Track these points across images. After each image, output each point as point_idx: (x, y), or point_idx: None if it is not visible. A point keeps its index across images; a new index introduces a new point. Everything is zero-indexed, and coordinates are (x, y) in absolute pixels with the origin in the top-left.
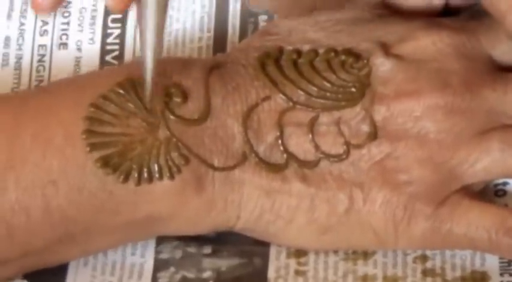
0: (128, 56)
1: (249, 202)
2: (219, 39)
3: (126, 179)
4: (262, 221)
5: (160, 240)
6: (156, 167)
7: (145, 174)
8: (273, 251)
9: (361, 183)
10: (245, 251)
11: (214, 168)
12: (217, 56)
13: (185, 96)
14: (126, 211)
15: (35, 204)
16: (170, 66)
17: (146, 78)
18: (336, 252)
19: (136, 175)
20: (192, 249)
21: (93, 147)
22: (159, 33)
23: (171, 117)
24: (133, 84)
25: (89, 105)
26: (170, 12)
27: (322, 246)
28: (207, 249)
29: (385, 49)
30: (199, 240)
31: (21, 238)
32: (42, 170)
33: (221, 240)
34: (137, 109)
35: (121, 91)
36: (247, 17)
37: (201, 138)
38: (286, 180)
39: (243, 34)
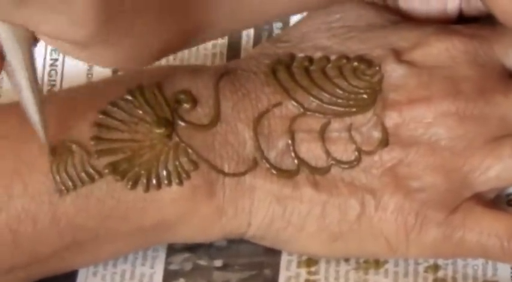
0: None
1: (260, 209)
2: (233, 46)
3: (135, 185)
4: (273, 228)
5: (171, 251)
6: (164, 173)
7: (154, 181)
8: (283, 261)
9: (373, 190)
10: (256, 262)
11: (225, 174)
12: (229, 63)
13: (194, 102)
14: (134, 218)
15: (42, 211)
16: (180, 73)
17: (38, 131)
18: (347, 261)
19: (144, 181)
20: (202, 262)
21: (101, 153)
22: (33, 85)
23: (180, 123)
24: (142, 91)
25: (98, 111)
26: None
27: (334, 254)
28: (218, 263)
29: (397, 55)
30: (210, 252)
31: (28, 246)
32: (49, 177)
33: (232, 251)
34: (146, 115)
35: (130, 98)
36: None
37: (211, 143)
38: (298, 187)
39: (257, 41)
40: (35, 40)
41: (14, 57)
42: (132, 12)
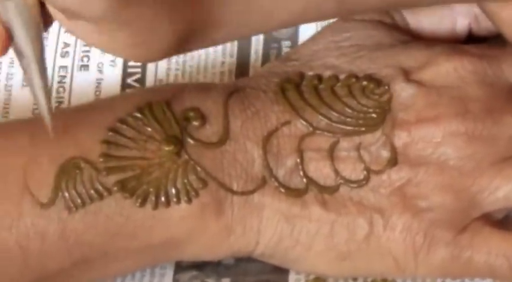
0: (149, 78)
1: (268, 227)
2: (242, 65)
3: (144, 202)
4: (281, 247)
5: (179, 269)
6: (173, 191)
7: (163, 198)
8: (291, 280)
9: (381, 209)
10: (263, 280)
11: (233, 192)
12: (238, 81)
13: (204, 120)
14: (143, 235)
15: (51, 228)
16: (189, 90)
17: (43, 113)
18: (355, 280)
19: (153, 199)
20: (210, 280)
21: (110, 170)
22: (42, 69)
23: (190, 140)
24: (151, 108)
25: (106, 128)
26: None
27: (342, 273)
28: (226, 281)
29: (406, 75)
30: (218, 270)
31: (36, 262)
32: (58, 194)
33: (240, 269)
34: (155, 133)
35: (139, 115)
36: (270, 42)
37: (219, 161)
38: (306, 205)
39: (265, 60)
40: (46, 24)
41: (23, 37)
42: None
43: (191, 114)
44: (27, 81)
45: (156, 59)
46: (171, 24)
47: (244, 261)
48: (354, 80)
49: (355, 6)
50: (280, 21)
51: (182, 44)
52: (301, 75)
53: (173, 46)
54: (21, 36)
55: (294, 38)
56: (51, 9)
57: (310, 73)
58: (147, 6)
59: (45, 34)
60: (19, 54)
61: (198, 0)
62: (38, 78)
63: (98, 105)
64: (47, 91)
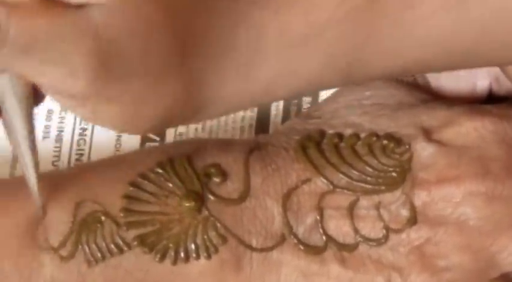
0: (169, 132)
1: None
2: (262, 120)
3: (163, 258)
4: None
5: None
6: (193, 246)
7: (182, 254)
8: None
9: (400, 268)
10: None
11: (253, 249)
12: (258, 138)
13: (225, 176)
14: None
15: (71, 281)
16: (210, 147)
17: (32, 186)
18: None
19: (173, 254)
20: None
21: (130, 225)
22: (32, 144)
23: (210, 197)
24: (172, 164)
25: (127, 183)
26: None
27: None
28: None
29: (427, 134)
30: None
31: None
32: (78, 247)
33: None
34: (176, 188)
35: (160, 170)
36: (291, 98)
37: (239, 218)
38: (325, 263)
39: (286, 116)
40: (37, 100)
41: (13, 113)
42: (130, 70)
43: (212, 170)
44: (17, 156)
45: (146, 132)
46: (160, 100)
47: None
48: (374, 138)
49: (360, 79)
50: (282, 97)
51: (174, 120)
52: (322, 133)
53: (163, 121)
54: (13, 109)
55: (314, 94)
56: None
57: (331, 131)
58: (131, 82)
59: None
60: (9, 128)
61: (190, 75)
62: (28, 154)
63: (119, 160)
64: (37, 167)
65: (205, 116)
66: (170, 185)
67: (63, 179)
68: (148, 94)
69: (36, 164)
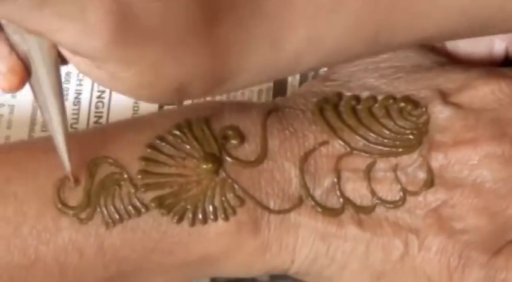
0: None
1: (304, 246)
2: (280, 83)
3: (181, 219)
4: (316, 265)
5: None
6: (210, 208)
7: (200, 215)
8: None
9: (417, 230)
10: None
11: (270, 211)
12: (276, 100)
13: (242, 139)
14: (179, 252)
15: (89, 243)
16: (228, 109)
17: (61, 151)
18: None
19: (190, 216)
20: None
21: (148, 187)
22: (60, 104)
23: (228, 158)
24: (190, 126)
25: (145, 145)
26: None
27: None
28: None
29: (444, 97)
30: None
31: (73, 276)
32: (96, 209)
33: None
34: (194, 151)
35: (178, 133)
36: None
37: (257, 180)
38: (342, 225)
39: (303, 78)
40: (63, 60)
41: (41, 73)
42: (149, 33)
43: (230, 132)
44: (44, 119)
45: (163, 101)
46: (180, 67)
47: (279, 278)
48: (391, 101)
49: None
50: (308, 67)
51: (194, 90)
52: (340, 96)
53: (182, 91)
54: (41, 72)
55: None
56: None
57: (348, 93)
58: (150, 46)
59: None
60: (36, 89)
61: (214, 43)
62: (57, 114)
63: (136, 122)
64: (66, 131)
65: (227, 88)
66: (188, 147)
67: (80, 141)
68: (168, 60)
69: (66, 128)
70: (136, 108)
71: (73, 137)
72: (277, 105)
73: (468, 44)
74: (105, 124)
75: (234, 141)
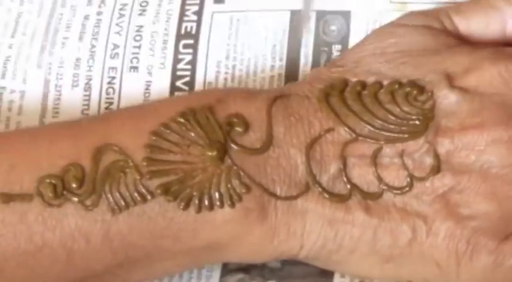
0: (198, 81)
1: (312, 232)
2: (291, 68)
3: (187, 206)
4: (325, 251)
5: (225, 271)
6: (217, 195)
7: (206, 202)
8: None
9: (425, 216)
10: None
11: (277, 197)
12: (283, 87)
13: (247, 126)
14: (186, 238)
15: (95, 229)
16: (233, 96)
17: None
18: None
19: (197, 202)
20: None
21: (153, 174)
22: None
23: (233, 146)
24: (194, 113)
25: (150, 133)
26: (242, 39)
27: (385, 275)
28: None
29: (450, 81)
30: (264, 273)
31: (80, 262)
32: (102, 196)
33: (285, 272)
34: (199, 138)
35: (182, 120)
36: (321, 46)
37: (263, 167)
38: (350, 211)
39: (315, 63)
40: None
41: None
42: None
43: (235, 120)
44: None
45: None
46: None
47: (289, 264)
48: (397, 86)
49: None
50: None
51: None
52: (345, 82)
53: None
54: None
55: (344, 41)
56: None
57: (354, 79)
58: None
59: (96, 36)
60: None
61: None
62: None
63: (141, 110)
64: None
65: None
66: (192, 134)
67: (85, 128)
68: None
69: None
70: (147, 94)
71: (77, 124)
72: (282, 92)
73: (480, 25)
74: (109, 111)
75: (239, 129)
